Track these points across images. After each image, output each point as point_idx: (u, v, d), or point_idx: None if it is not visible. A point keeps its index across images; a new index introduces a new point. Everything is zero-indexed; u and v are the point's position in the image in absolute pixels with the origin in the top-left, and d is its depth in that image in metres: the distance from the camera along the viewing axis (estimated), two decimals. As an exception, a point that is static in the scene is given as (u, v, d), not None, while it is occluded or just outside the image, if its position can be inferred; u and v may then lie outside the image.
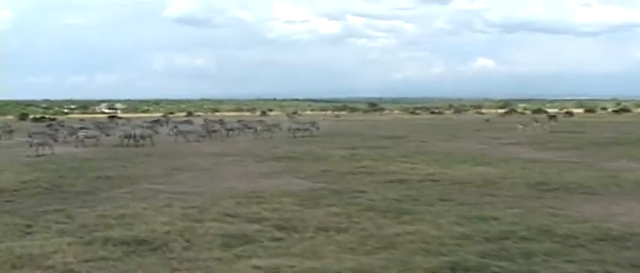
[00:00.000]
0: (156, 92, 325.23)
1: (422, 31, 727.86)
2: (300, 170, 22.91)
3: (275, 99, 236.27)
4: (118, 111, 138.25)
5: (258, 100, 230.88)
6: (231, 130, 45.72)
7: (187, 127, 43.82)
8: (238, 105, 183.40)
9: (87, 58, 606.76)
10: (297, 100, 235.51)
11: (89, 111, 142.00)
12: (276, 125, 47.41)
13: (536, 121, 49.76)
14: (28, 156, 29.49)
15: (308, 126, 46.67)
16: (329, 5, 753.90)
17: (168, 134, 43.52)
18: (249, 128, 45.60)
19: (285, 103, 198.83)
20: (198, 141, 39.76)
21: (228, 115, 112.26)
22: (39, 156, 29.80)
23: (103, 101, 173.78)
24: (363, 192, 17.13)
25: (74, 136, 39.65)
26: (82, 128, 43.05)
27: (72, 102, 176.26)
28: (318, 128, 47.17)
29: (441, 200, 15.74)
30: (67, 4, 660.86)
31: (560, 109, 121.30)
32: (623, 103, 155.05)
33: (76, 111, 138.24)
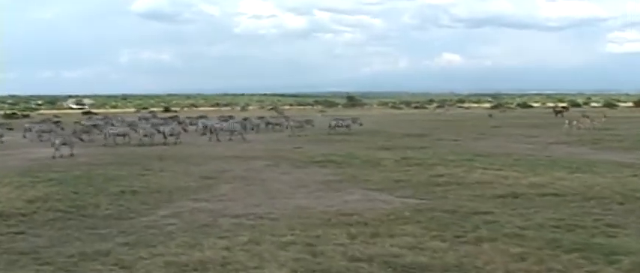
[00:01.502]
0: (122, 87, 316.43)
1: (388, 26, 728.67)
2: (365, 179, 18.92)
3: (243, 94, 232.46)
4: (86, 107, 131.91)
5: (226, 94, 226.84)
6: (252, 128, 41.87)
7: (219, 125, 38.94)
8: (207, 99, 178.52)
9: (53, 53, 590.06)
10: (265, 94, 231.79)
11: (57, 107, 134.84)
12: (309, 121, 43.45)
13: (586, 117, 45.34)
14: (33, 159, 24.69)
15: (349, 122, 42.52)
16: (296, 0, 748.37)
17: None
18: (274, 125, 41.29)
19: (254, 98, 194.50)
20: (231, 139, 35.84)
21: (203, 110, 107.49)
22: (54, 158, 26.35)
23: (70, 97, 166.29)
24: (489, 213, 13.21)
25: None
26: (112, 125, 39.24)
27: (39, 97, 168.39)
28: (361, 124, 43.14)
29: (611, 226, 11.84)
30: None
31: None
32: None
33: (43, 107, 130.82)
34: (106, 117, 55.77)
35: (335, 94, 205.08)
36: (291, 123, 41.80)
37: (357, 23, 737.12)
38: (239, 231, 11.92)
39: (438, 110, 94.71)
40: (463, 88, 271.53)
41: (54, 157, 26.40)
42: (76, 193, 16.51)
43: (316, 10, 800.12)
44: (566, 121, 43.09)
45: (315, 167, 22.25)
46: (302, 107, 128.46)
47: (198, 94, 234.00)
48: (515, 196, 15.39)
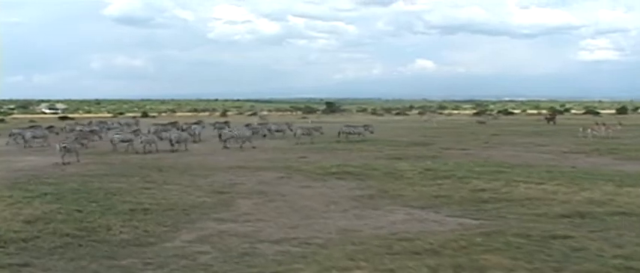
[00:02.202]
0: (95, 92, 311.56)
1: (362, 33, 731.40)
2: (398, 194, 17.26)
3: (217, 99, 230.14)
4: (59, 111, 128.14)
5: (200, 100, 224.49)
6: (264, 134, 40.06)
7: (231, 132, 36.86)
8: (181, 105, 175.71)
9: (24, 58, 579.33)
10: (238, 100, 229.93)
11: (30, 111, 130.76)
12: (318, 129, 41.30)
13: (602, 124, 43.33)
14: (19, 170, 22.39)
15: (361, 130, 40.53)
16: (270, 6, 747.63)
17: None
18: (277, 131, 40.06)
19: (228, 104, 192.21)
20: (254, 147, 34.03)
21: (182, 115, 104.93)
22: (63, 164, 25.28)
23: (43, 101, 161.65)
24: (569, 238, 11.61)
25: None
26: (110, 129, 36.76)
27: (10, 102, 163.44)
28: (372, 132, 41.09)
29: None
30: (3, 2, 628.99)
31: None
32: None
33: (16, 112, 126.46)
34: (101, 122, 53.12)
35: (309, 100, 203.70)
36: (299, 130, 39.64)
37: (331, 29, 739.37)
38: (291, 262, 10.09)
39: (424, 117, 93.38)
40: (436, 95, 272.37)
41: (63, 164, 25.11)
42: (79, 211, 14.44)
43: (291, 16, 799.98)
44: (581, 129, 41.75)
45: (333, 179, 20.44)
46: (281, 113, 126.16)
47: (172, 100, 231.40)
48: (582, 215, 13.77)
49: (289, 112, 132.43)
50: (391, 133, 46.65)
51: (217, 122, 50.15)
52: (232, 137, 35.48)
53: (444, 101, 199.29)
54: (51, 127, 43.15)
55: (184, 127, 42.03)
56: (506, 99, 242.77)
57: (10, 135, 38.89)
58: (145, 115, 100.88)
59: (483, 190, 17.41)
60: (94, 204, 15.43)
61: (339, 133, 39.61)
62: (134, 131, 36.27)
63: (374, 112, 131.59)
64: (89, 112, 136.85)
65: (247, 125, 42.06)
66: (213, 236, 12.22)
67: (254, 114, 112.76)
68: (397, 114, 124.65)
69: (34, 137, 37.32)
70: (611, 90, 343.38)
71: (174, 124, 46.01)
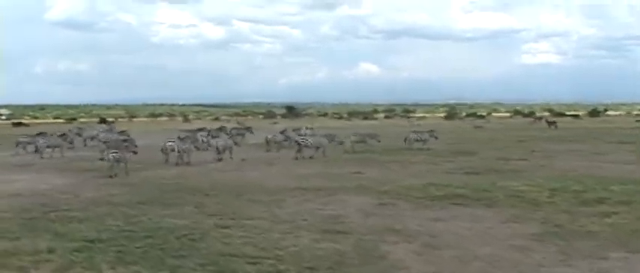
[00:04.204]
0: (38, 97, 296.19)
1: (307, 37, 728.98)
2: (583, 231, 12.73)
3: (163, 104, 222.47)
4: (4, 117, 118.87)
5: (147, 104, 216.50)
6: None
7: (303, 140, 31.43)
8: (128, 110, 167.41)
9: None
10: (184, 105, 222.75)
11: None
12: (373, 136, 36.20)
13: None
14: (23, 193, 16.63)
15: (426, 136, 35.97)
16: (214, 10, 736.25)
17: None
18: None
19: (175, 108, 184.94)
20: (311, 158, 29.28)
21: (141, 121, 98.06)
22: (111, 177, 22.27)
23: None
24: None
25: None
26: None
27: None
28: (436, 138, 36.60)
29: None
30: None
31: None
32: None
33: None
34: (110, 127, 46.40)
35: (256, 105, 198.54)
36: (353, 137, 34.58)
37: (276, 34, 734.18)
38: None
39: (404, 122, 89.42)
40: (381, 99, 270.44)
41: (111, 177, 22.25)
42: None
43: (235, 21, 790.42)
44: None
45: (452, 207, 15.76)
46: (243, 118, 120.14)
47: (117, 105, 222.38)
48: None
49: (248, 117, 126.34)
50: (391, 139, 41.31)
51: (234, 128, 44.99)
52: (306, 146, 30.43)
53: (393, 105, 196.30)
54: (63, 135, 36.90)
55: (233, 132, 36.92)
56: (453, 102, 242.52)
57: (17, 144, 34.13)
58: (103, 120, 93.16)
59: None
60: (180, 260, 10.21)
61: (405, 140, 35.36)
62: (182, 139, 30.68)
63: (340, 117, 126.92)
64: (36, 117, 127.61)
65: (282, 132, 37.34)
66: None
67: (216, 120, 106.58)
68: (365, 118, 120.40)
69: (48, 146, 32.51)
70: (554, 93, 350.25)
71: (221, 129, 41.21)
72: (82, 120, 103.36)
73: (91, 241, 11.67)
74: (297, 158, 28.75)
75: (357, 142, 34.34)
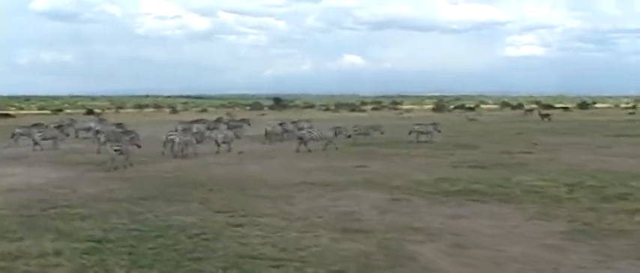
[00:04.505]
0: (23, 88, 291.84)
1: (292, 28, 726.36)
2: (615, 230, 12.14)
3: (147, 95, 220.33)
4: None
5: (133, 96, 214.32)
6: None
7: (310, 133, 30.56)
8: (112, 101, 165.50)
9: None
10: (169, 97, 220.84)
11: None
12: (377, 127, 35.75)
13: None
14: (17, 188, 15.87)
15: (430, 128, 35.39)
16: (200, 1, 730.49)
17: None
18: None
19: (159, 100, 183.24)
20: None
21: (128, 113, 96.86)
22: (110, 170, 21.55)
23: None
24: None
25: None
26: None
27: None
28: (439, 131, 36.34)
29: None
30: None
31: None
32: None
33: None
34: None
35: (241, 97, 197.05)
36: (355, 129, 34.01)
37: (261, 25, 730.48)
38: None
39: (392, 114, 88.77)
40: (365, 91, 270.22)
41: (110, 170, 21.50)
42: None
43: (221, 12, 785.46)
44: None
45: (470, 203, 15.19)
46: (230, 109, 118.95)
47: (103, 96, 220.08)
48: None
49: (235, 109, 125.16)
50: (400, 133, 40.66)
51: (231, 120, 44.15)
52: (312, 139, 29.62)
53: (379, 97, 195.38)
54: (60, 126, 35.81)
55: (231, 124, 36.20)
56: (437, 94, 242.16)
57: (12, 136, 33.02)
58: (90, 112, 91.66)
59: None
60: (198, 263, 9.57)
61: (410, 133, 34.84)
62: (184, 130, 30.07)
63: (326, 109, 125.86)
64: (21, 108, 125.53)
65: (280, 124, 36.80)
66: None
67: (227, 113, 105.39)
68: (352, 110, 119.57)
69: (44, 139, 31.50)
70: (538, 86, 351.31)
71: (219, 120, 40.53)
72: (67, 111, 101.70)
73: (99, 242, 10.96)
74: (298, 151, 28.08)
75: (359, 134, 33.65)
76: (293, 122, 38.53)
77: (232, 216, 13.48)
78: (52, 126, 34.96)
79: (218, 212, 14.00)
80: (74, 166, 23.33)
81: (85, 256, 9.96)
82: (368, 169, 21.99)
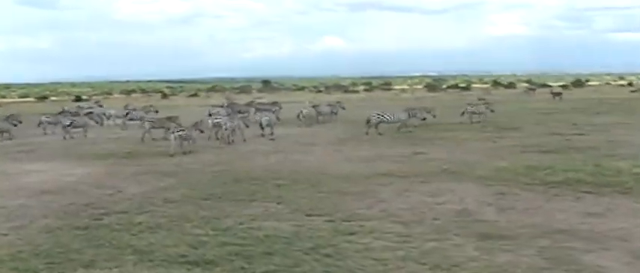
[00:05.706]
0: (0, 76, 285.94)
1: (270, 11, 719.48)
2: None
3: (128, 80, 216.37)
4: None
5: (112, 82, 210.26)
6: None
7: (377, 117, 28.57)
8: (94, 87, 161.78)
9: None
10: (149, 81, 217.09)
11: None
12: (428, 110, 33.39)
13: None
14: (44, 189, 13.44)
15: (483, 109, 34.42)
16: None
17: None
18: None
19: (141, 84, 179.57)
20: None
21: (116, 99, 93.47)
22: (172, 156, 20.46)
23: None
24: None
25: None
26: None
27: None
28: (492, 110, 35.39)
29: None
30: None
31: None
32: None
33: None
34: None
35: (221, 80, 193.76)
36: (412, 112, 31.42)
37: (239, 8, 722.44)
38: None
39: (388, 94, 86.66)
40: (346, 72, 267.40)
41: (171, 155, 20.92)
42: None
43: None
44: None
45: (589, 197, 13.03)
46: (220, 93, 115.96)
47: (83, 82, 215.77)
48: None
49: (226, 92, 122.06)
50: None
51: (260, 103, 42.93)
52: (382, 122, 28.09)
53: (361, 78, 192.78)
54: (90, 112, 33.69)
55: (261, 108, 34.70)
56: (418, 74, 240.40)
57: (39, 124, 32.00)
58: (78, 98, 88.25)
59: None
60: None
61: (462, 113, 33.37)
62: (228, 114, 28.64)
63: (318, 91, 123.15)
64: (3, 97, 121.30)
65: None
66: None
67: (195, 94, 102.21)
68: (345, 92, 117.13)
69: (74, 127, 29.73)
70: (520, 64, 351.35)
71: (249, 104, 38.98)
72: (52, 98, 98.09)
73: (196, 264, 8.69)
74: (367, 133, 27.04)
75: (410, 117, 31.03)
76: (329, 104, 36.61)
77: (332, 220, 11.27)
78: (81, 113, 32.91)
79: (309, 215, 11.79)
80: (95, 160, 20.96)
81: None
82: (429, 156, 19.96)
